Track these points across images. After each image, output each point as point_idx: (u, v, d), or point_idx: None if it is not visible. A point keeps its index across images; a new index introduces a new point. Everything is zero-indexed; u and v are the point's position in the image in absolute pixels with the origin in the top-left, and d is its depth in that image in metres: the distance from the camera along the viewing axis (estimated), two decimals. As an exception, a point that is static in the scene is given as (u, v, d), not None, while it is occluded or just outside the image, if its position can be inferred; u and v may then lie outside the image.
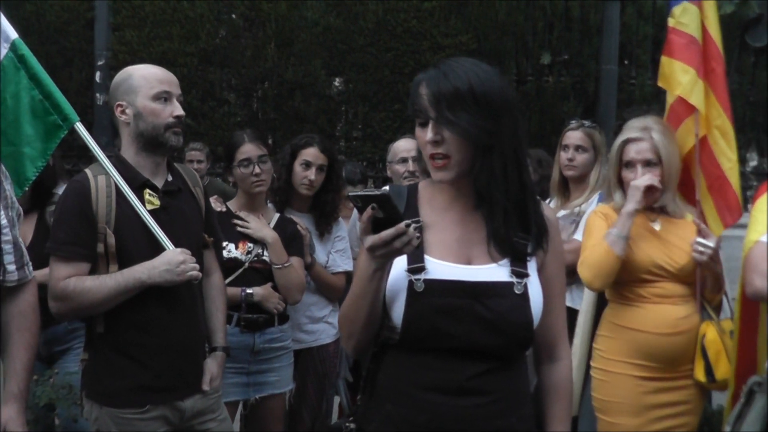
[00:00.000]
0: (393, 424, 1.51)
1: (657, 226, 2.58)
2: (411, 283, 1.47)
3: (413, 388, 1.49)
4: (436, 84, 1.47)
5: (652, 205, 2.58)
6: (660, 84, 2.86)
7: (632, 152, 2.55)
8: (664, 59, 2.82)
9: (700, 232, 2.51)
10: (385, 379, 1.55)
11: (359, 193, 1.39)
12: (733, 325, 2.48)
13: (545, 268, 1.58)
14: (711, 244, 2.46)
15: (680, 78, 2.74)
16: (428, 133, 1.47)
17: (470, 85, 1.45)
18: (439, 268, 1.50)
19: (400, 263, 1.50)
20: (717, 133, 2.75)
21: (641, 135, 2.54)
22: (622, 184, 2.61)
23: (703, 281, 2.55)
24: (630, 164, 2.56)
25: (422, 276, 1.48)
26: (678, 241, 2.53)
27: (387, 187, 1.40)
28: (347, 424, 1.62)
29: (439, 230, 1.55)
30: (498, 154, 1.47)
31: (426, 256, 1.51)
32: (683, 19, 2.77)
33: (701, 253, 2.46)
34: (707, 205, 2.73)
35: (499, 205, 1.50)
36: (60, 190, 2.97)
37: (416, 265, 1.49)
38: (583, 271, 2.57)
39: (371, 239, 1.38)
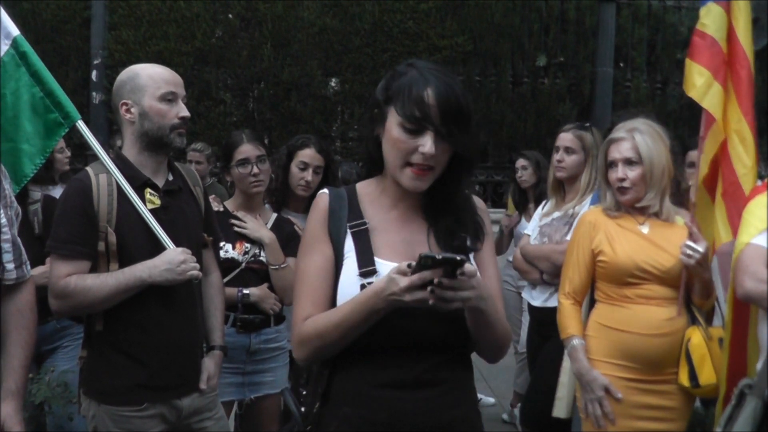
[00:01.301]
0: (351, 426, 1.51)
1: (645, 229, 2.58)
2: (363, 287, 1.47)
3: (370, 387, 1.49)
4: (444, 96, 1.46)
5: (635, 204, 2.60)
6: (683, 87, 2.81)
7: (614, 152, 2.60)
8: (687, 61, 2.78)
9: (692, 236, 2.52)
10: (340, 383, 1.55)
11: (439, 255, 1.30)
12: (724, 330, 2.45)
13: (480, 254, 1.61)
14: (700, 248, 2.45)
15: (696, 80, 2.70)
16: (429, 145, 1.45)
17: (466, 101, 1.49)
18: (390, 269, 1.48)
19: (351, 267, 1.51)
20: (736, 137, 2.69)
21: (624, 135, 2.59)
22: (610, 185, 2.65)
23: (690, 286, 2.54)
24: (612, 163, 2.61)
25: (374, 279, 1.48)
26: (665, 244, 2.53)
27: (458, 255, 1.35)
28: None
29: (386, 231, 1.57)
30: (468, 164, 1.54)
31: (376, 259, 1.52)
32: (706, 20, 2.72)
33: (689, 256, 2.45)
34: (720, 211, 2.67)
35: (453, 207, 1.56)
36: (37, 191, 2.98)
37: (367, 269, 1.50)
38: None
39: (420, 295, 1.33)
